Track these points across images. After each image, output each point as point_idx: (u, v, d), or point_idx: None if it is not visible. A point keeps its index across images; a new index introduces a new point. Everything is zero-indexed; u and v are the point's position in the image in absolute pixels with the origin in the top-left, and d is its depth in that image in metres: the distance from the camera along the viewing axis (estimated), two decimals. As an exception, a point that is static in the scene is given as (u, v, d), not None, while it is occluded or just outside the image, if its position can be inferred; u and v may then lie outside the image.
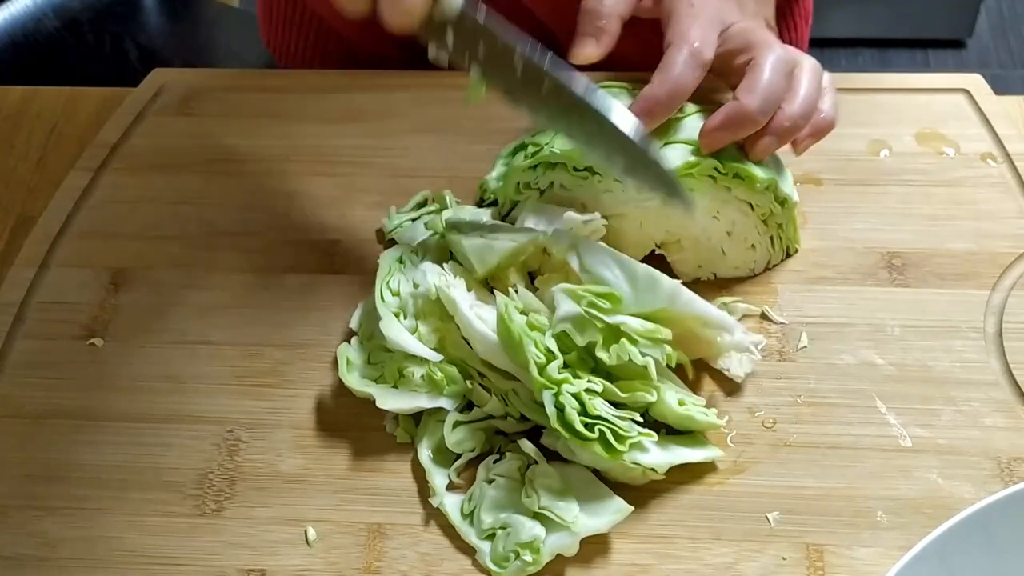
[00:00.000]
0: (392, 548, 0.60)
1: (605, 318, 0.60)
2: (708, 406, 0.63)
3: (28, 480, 0.64)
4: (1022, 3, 2.46)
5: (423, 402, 0.63)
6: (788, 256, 0.71)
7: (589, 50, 0.66)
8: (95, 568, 0.60)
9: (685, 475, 0.62)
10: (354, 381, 0.64)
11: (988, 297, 0.69)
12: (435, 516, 0.61)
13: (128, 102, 0.84)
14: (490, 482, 0.61)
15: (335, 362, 0.67)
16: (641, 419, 0.60)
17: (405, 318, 0.65)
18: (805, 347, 0.67)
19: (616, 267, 0.63)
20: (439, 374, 0.63)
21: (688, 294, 0.62)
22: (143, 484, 0.63)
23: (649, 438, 0.59)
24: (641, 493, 0.61)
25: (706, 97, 0.68)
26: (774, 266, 0.70)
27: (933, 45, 2.36)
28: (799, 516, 0.60)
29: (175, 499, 0.63)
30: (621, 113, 0.61)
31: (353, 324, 0.68)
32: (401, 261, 0.68)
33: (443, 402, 0.63)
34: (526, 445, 0.61)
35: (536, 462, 0.61)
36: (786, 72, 0.65)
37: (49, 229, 0.76)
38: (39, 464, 0.64)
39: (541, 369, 0.59)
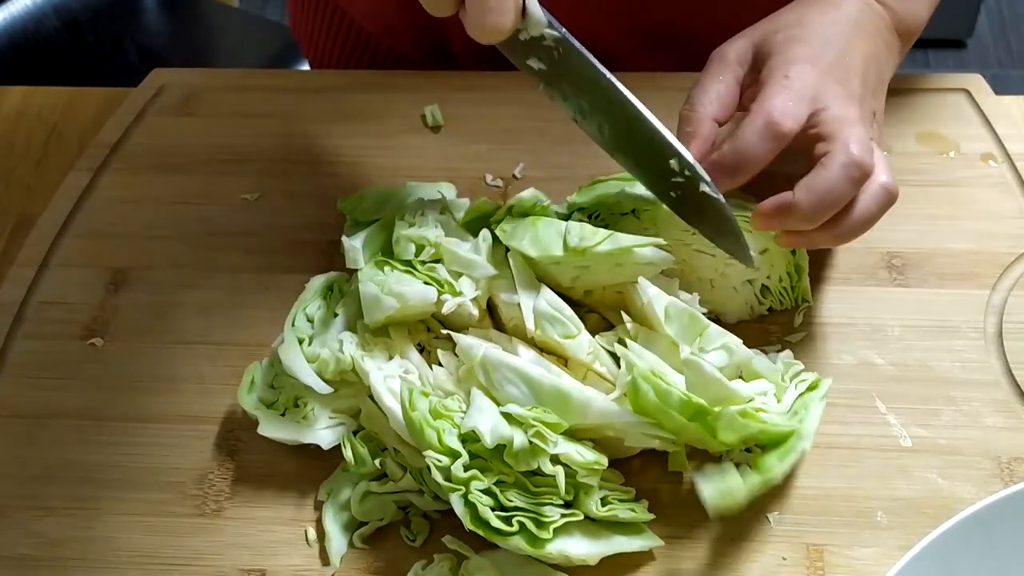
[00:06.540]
0: (392, 548, 0.60)
1: (550, 450, 0.56)
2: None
3: (28, 480, 0.64)
4: (1022, 3, 2.46)
5: (302, 436, 0.62)
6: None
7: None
8: (95, 568, 0.60)
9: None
10: (248, 401, 0.63)
11: (988, 297, 0.69)
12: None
13: (128, 102, 0.84)
14: None
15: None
16: (566, 500, 0.57)
17: (310, 345, 0.63)
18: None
19: (522, 384, 0.58)
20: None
21: (602, 402, 0.58)
22: (143, 484, 0.63)
23: (574, 517, 0.56)
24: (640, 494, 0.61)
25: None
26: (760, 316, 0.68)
27: (933, 45, 2.36)
28: (799, 516, 0.60)
29: (175, 499, 0.63)
30: (686, 152, 0.61)
31: (276, 344, 0.66)
32: (330, 289, 0.67)
33: (321, 437, 0.61)
34: (453, 542, 0.58)
35: (468, 557, 0.57)
36: (853, 179, 0.60)
37: (49, 229, 0.76)
38: (39, 464, 0.64)
39: (445, 472, 0.56)
